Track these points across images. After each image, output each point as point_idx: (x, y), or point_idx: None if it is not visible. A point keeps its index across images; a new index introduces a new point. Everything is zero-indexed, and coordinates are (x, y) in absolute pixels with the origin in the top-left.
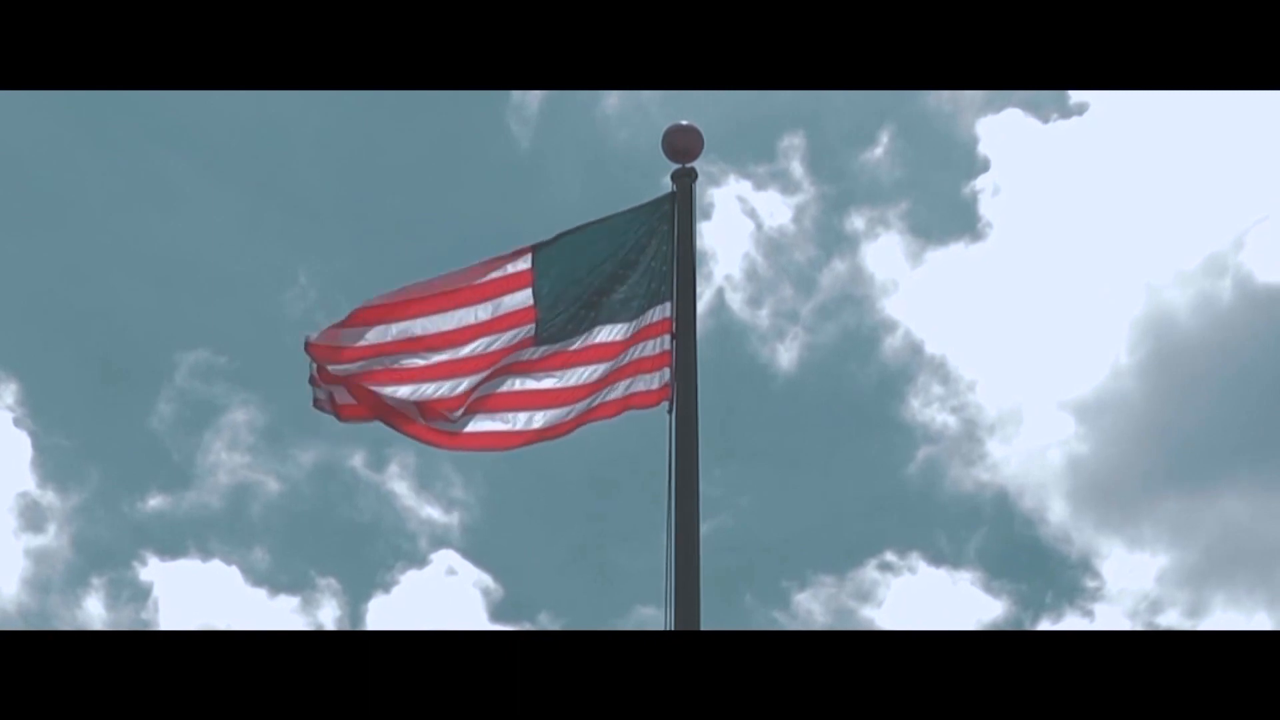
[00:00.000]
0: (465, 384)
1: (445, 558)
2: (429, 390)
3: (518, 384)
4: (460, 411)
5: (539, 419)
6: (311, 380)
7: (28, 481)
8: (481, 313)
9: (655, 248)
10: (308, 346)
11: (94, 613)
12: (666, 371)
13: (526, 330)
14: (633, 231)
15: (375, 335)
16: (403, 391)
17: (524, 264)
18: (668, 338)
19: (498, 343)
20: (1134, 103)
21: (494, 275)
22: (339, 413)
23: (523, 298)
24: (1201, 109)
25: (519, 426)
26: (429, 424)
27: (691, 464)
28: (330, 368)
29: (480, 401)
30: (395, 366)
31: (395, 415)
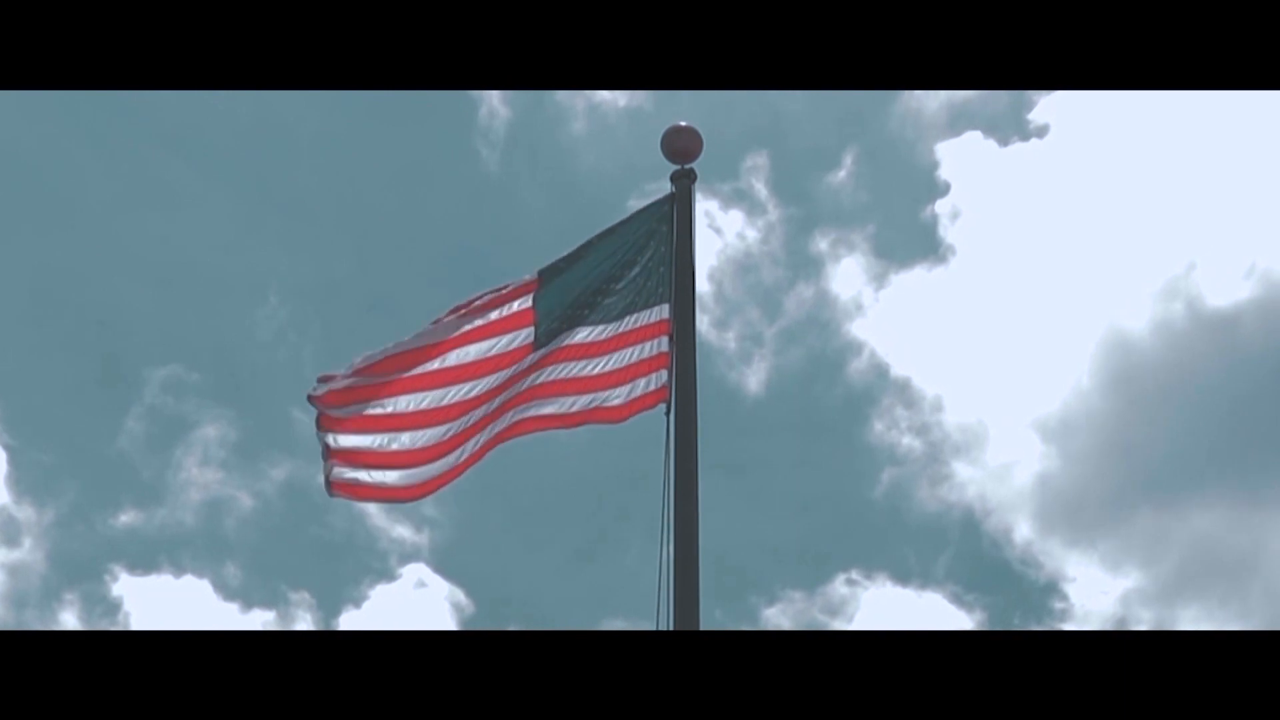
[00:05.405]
0: (477, 415)
1: (415, 571)
2: (438, 433)
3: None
4: (475, 438)
5: (513, 416)
6: (324, 456)
7: (4, 496)
8: (492, 347)
9: (654, 249)
10: (311, 399)
11: (68, 626)
12: (664, 373)
13: (526, 340)
14: (631, 235)
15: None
16: (405, 438)
17: (528, 300)
18: (666, 339)
19: (502, 375)
20: (1092, 125)
21: (498, 314)
22: (349, 494)
23: (526, 332)
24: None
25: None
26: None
27: (691, 464)
28: (331, 411)
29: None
30: (401, 411)
31: (390, 491)
